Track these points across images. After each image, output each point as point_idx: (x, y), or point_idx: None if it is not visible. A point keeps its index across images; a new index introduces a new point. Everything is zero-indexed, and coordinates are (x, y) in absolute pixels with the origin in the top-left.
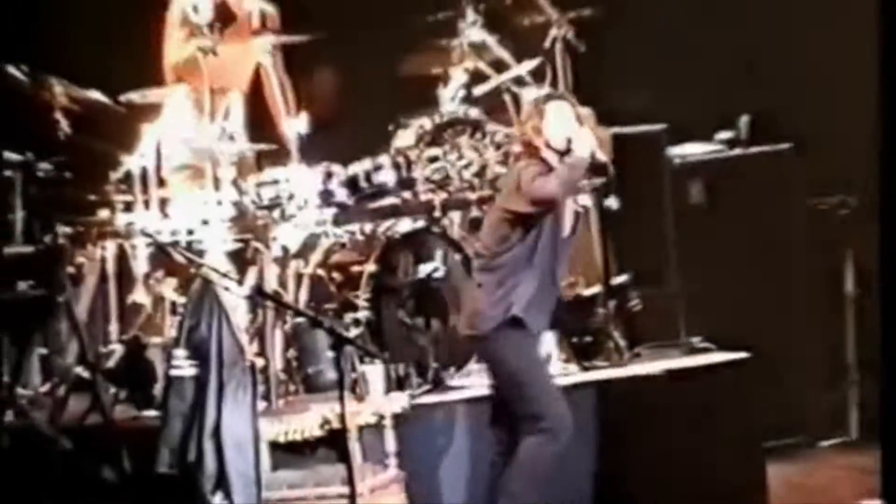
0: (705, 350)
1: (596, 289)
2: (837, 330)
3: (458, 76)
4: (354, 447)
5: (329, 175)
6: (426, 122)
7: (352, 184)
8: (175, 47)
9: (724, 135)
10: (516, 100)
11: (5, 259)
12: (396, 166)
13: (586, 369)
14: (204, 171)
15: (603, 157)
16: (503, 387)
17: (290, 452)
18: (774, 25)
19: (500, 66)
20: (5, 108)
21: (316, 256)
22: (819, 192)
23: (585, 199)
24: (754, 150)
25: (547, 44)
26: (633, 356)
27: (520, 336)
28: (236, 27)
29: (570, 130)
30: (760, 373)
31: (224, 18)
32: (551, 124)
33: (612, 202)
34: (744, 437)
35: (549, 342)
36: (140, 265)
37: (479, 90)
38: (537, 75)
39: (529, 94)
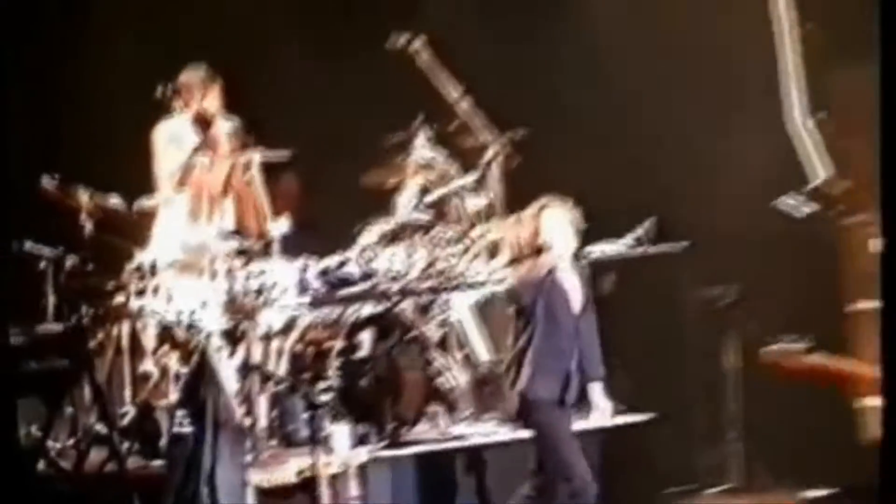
0: (621, 412)
1: None
2: (719, 397)
3: (412, 187)
4: (324, 492)
5: (305, 267)
6: (386, 225)
7: (324, 275)
8: (168, 164)
9: (632, 235)
10: (461, 206)
11: (39, 336)
12: (360, 261)
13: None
14: (197, 265)
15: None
16: (538, 448)
17: (272, 496)
18: (677, 148)
19: (446, 179)
20: (39, 210)
21: (294, 334)
22: (706, 283)
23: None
24: (654, 249)
25: (484, 160)
26: None
27: (548, 408)
28: (219, 147)
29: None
30: (663, 431)
31: (207, 141)
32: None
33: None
34: (649, 484)
35: (598, 394)
36: (149, 341)
37: (429, 198)
38: (477, 186)
39: (472, 201)
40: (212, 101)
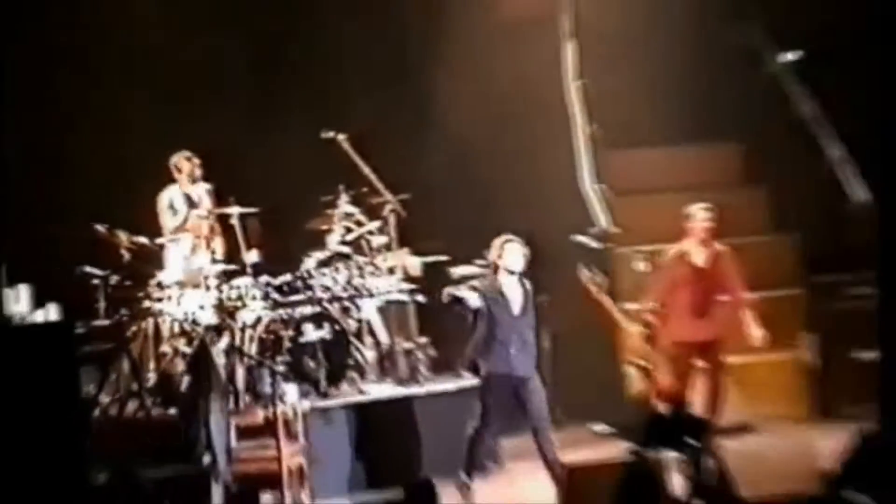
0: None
1: None
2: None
3: (338, 230)
4: (281, 429)
5: (268, 284)
6: (320, 255)
7: (279, 288)
8: (168, 218)
9: (480, 261)
10: (369, 243)
11: (93, 328)
12: (303, 279)
13: None
14: (196, 281)
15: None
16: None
17: (247, 433)
18: (511, 197)
19: (360, 225)
20: (93, 247)
21: (261, 327)
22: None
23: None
24: None
25: (385, 213)
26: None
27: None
28: (202, 203)
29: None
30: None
31: (191, 203)
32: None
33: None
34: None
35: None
36: (165, 331)
37: (349, 238)
38: (381, 230)
39: (376, 239)
40: (194, 173)
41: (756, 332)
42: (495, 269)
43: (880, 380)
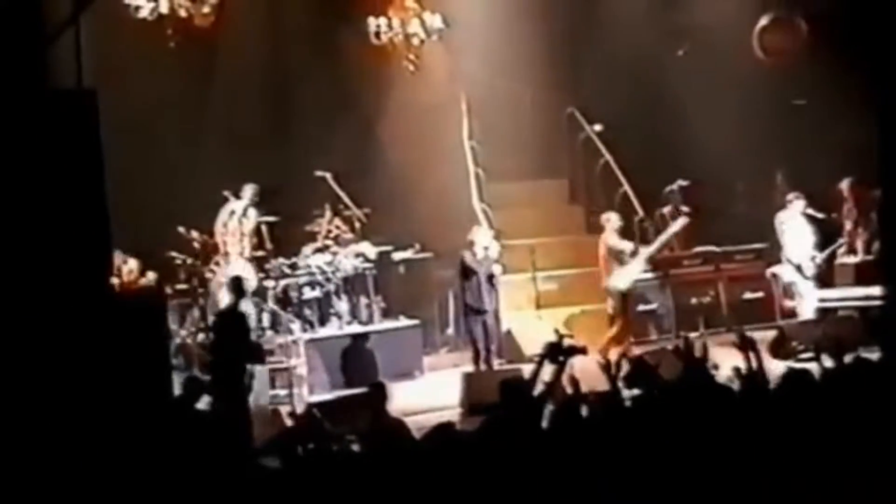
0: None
1: None
2: (447, 312)
3: (323, 232)
4: (290, 349)
5: (281, 265)
6: (314, 246)
7: (290, 267)
8: (223, 224)
9: (411, 250)
10: (343, 238)
11: (176, 290)
12: (303, 262)
13: None
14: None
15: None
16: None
17: (269, 353)
18: (435, 211)
19: (340, 229)
20: (178, 241)
21: (278, 289)
22: (440, 268)
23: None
24: (421, 255)
25: (353, 220)
26: (381, 321)
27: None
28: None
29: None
30: (423, 327)
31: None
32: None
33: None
34: None
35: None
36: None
37: (331, 235)
38: (351, 230)
39: (348, 237)
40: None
41: None
42: (471, 244)
43: None
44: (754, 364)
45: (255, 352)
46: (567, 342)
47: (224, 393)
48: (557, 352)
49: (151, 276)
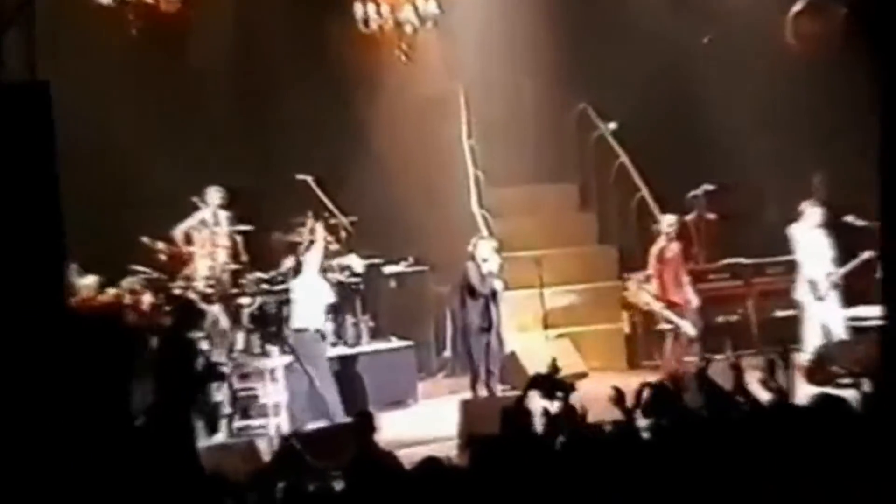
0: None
1: None
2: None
3: (306, 241)
4: (267, 376)
5: (259, 278)
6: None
7: (267, 280)
8: (196, 235)
9: (404, 262)
10: (328, 250)
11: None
12: (283, 274)
13: None
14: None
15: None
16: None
17: (243, 378)
18: (425, 217)
19: (324, 238)
20: (145, 253)
21: (255, 306)
22: (436, 283)
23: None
24: (415, 268)
25: (339, 230)
26: (370, 342)
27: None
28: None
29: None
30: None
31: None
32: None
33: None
34: None
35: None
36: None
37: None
38: (336, 240)
39: (333, 247)
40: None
41: (693, 298)
42: (474, 256)
43: None
44: (782, 388)
45: (207, 375)
46: (562, 373)
47: (167, 429)
48: (549, 385)
49: (112, 292)
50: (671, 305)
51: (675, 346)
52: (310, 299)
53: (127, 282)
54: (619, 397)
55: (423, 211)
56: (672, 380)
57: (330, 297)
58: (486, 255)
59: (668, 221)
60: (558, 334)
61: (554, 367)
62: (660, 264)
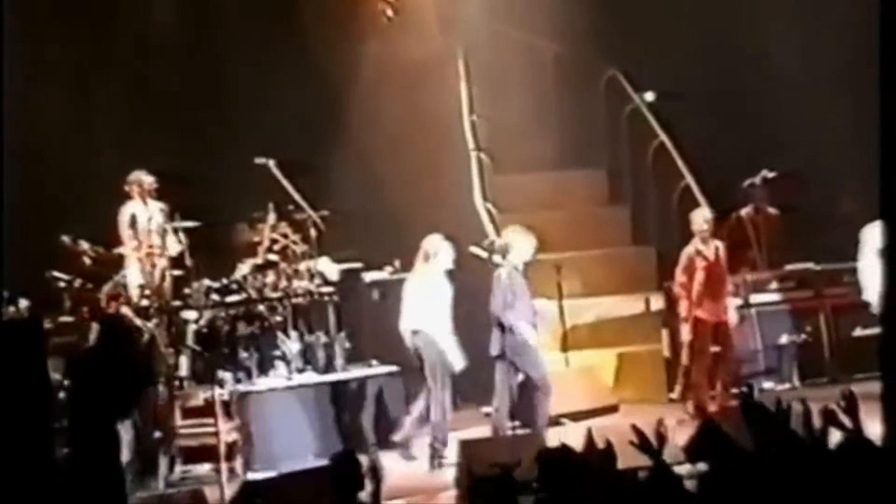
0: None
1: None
2: None
3: (266, 242)
4: (219, 411)
5: (209, 287)
6: (253, 262)
7: (218, 290)
8: (126, 231)
9: (389, 268)
10: (293, 251)
11: (58, 322)
12: (238, 282)
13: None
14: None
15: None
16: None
17: (189, 414)
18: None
19: (286, 236)
20: (62, 255)
21: (202, 322)
22: None
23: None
24: (401, 275)
25: (307, 226)
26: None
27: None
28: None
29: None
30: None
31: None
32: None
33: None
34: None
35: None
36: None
37: (276, 247)
38: (304, 239)
39: (299, 248)
40: (150, 191)
41: (733, 317)
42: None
43: None
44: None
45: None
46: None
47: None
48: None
49: (24, 304)
50: (700, 325)
51: (719, 373)
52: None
53: None
54: (642, 439)
55: (412, 204)
56: (721, 414)
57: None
58: (526, 253)
59: (702, 217)
60: (581, 358)
61: (564, 451)
62: (686, 274)
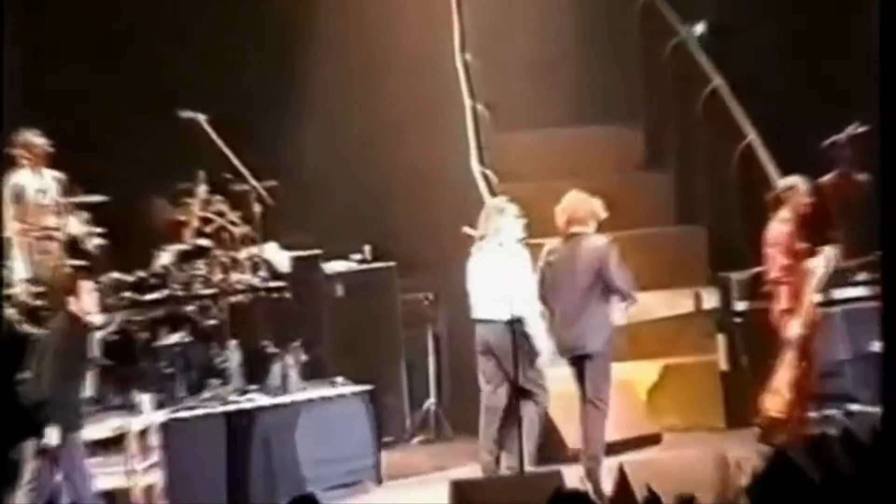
0: (344, 384)
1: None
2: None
3: (194, 222)
4: (133, 444)
5: (119, 281)
6: (179, 248)
7: (132, 286)
8: (11, 207)
9: (357, 256)
10: (231, 234)
11: None
12: (158, 275)
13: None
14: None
15: None
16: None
17: (97, 448)
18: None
19: (221, 214)
20: None
21: (111, 327)
22: (409, 290)
23: None
24: (374, 265)
25: (250, 202)
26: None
27: None
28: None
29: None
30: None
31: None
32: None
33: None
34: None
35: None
36: None
37: (208, 229)
38: (244, 219)
39: (239, 230)
40: (42, 157)
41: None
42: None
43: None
44: None
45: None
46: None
47: None
48: None
49: None
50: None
51: (795, 389)
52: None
53: None
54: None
55: (387, 172)
56: (796, 443)
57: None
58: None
59: (787, 184)
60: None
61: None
62: (789, 256)
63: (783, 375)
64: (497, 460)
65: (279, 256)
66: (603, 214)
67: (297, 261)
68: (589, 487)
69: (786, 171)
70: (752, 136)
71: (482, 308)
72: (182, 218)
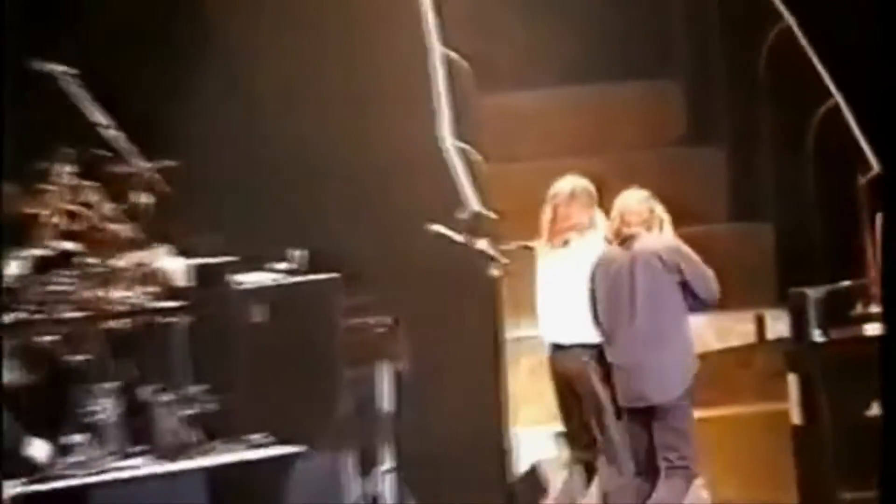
0: (265, 445)
1: None
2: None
3: (56, 216)
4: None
5: None
6: (33, 255)
7: None
8: None
9: (283, 265)
10: (108, 235)
11: None
12: (8, 292)
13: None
14: None
15: None
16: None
17: None
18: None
19: (91, 206)
20: None
21: None
22: (357, 313)
23: None
24: (308, 277)
25: (134, 189)
26: (210, 450)
27: None
28: None
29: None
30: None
31: None
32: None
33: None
34: None
35: None
36: None
37: (76, 226)
38: (127, 214)
39: (124, 230)
40: None
41: None
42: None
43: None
44: None
45: None
46: None
47: None
48: None
49: None
50: None
51: None
52: None
53: None
54: None
55: (328, 149)
56: None
57: None
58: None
59: None
60: None
61: None
62: None
63: None
64: None
65: (175, 265)
66: (665, 217)
67: (199, 271)
68: None
69: (881, 147)
70: (836, 95)
71: (556, 329)
72: (39, 211)
